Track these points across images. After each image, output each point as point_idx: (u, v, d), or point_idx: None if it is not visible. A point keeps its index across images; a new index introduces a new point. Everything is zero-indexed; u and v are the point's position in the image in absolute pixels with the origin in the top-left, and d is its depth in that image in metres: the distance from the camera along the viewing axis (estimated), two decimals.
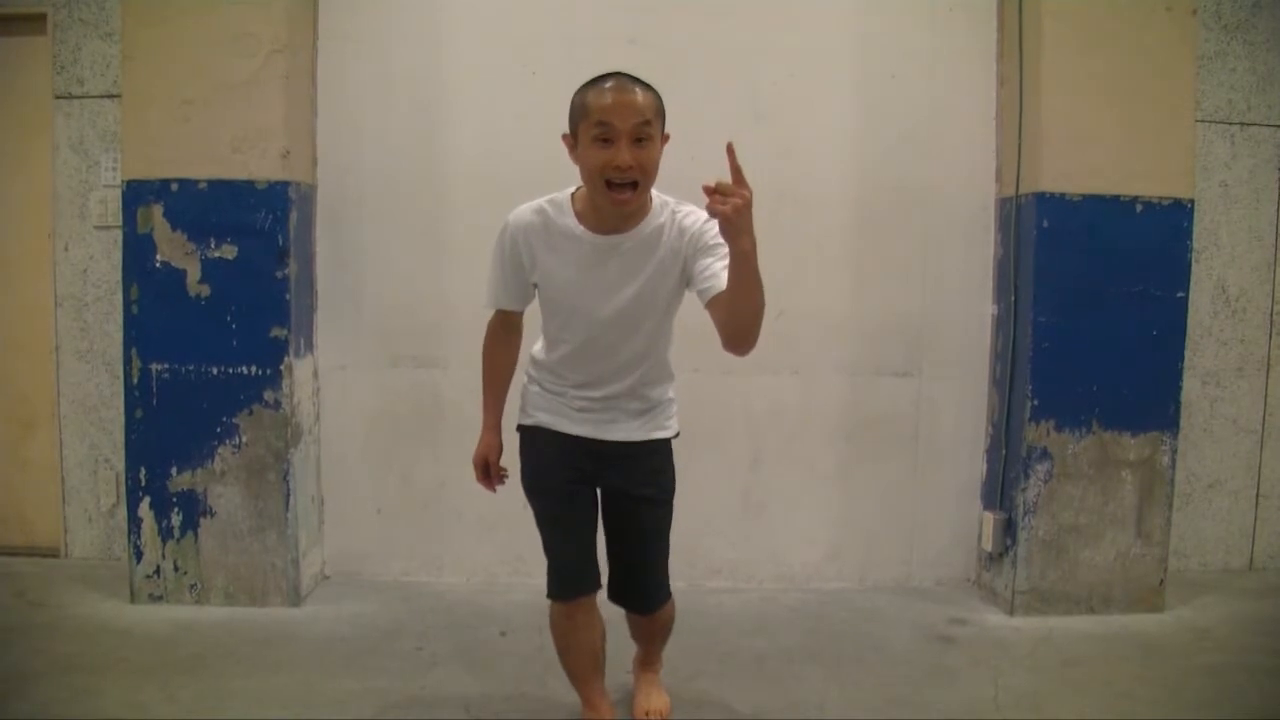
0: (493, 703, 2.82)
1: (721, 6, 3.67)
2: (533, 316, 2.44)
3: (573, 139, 2.15)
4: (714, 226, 2.09)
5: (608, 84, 2.08)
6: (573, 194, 2.26)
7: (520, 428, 2.46)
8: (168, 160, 3.35)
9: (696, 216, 2.20)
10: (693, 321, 2.35)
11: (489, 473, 2.52)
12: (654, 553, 2.45)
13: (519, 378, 2.50)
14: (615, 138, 2.04)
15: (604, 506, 2.44)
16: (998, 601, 3.62)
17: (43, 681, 2.84)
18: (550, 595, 2.43)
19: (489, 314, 2.47)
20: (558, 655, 2.51)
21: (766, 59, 3.69)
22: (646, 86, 2.11)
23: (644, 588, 2.47)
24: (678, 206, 2.23)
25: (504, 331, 2.46)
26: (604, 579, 2.46)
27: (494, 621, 3.40)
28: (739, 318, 2.07)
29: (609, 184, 2.08)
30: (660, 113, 2.12)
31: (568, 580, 2.40)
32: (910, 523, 3.83)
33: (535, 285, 2.32)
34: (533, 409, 2.42)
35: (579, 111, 2.11)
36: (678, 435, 2.47)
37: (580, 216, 2.22)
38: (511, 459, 2.50)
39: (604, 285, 2.22)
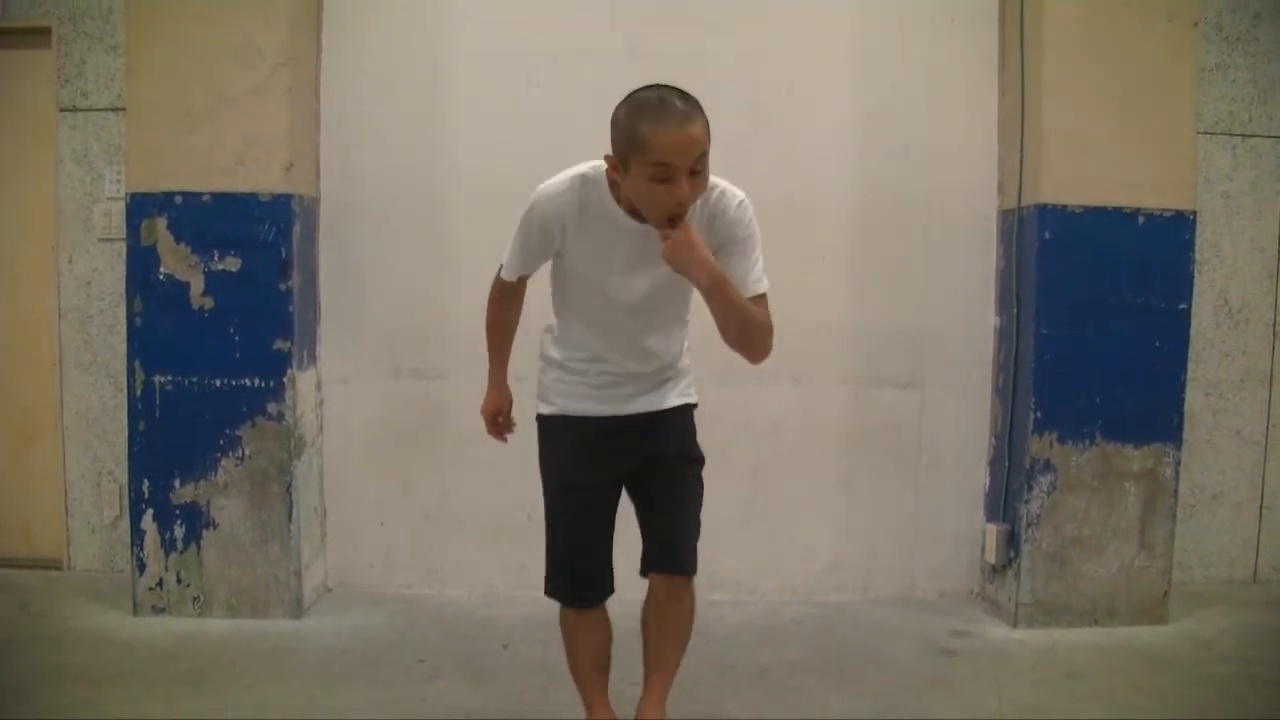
0: (494, 716, 2.81)
1: (722, 17, 3.68)
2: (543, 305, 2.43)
3: (619, 162, 2.05)
4: (745, 216, 2.17)
5: (666, 117, 1.96)
6: (604, 170, 2.17)
7: (540, 418, 2.42)
8: (171, 173, 3.36)
9: (727, 201, 2.17)
10: (696, 326, 2.36)
11: (498, 424, 2.54)
12: (690, 514, 2.38)
13: (533, 367, 2.46)
14: (675, 176, 1.98)
15: (636, 481, 2.38)
16: (1001, 614, 3.61)
17: (45, 693, 2.83)
18: (562, 601, 2.41)
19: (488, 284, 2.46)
20: (566, 655, 2.50)
21: (767, 70, 3.70)
22: (698, 109, 2.01)
23: (683, 547, 2.36)
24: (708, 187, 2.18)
25: (510, 295, 2.43)
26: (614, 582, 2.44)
27: (496, 634, 3.39)
28: (726, 336, 2.17)
29: (668, 219, 2.05)
30: (709, 132, 2.03)
31: (583, 588, 2.39)
32: (913, 534, 3.83)
33: (559, 255, 2.27)
34: (553, 395, 2.38)
35: (633, 143, 1.98)
36: (698, 405, 2.46)
37: (615, 196, 2.17)
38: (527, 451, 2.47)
39: (636, 263, 2.19)
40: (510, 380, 2.57)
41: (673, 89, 2.03)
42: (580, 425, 2.35)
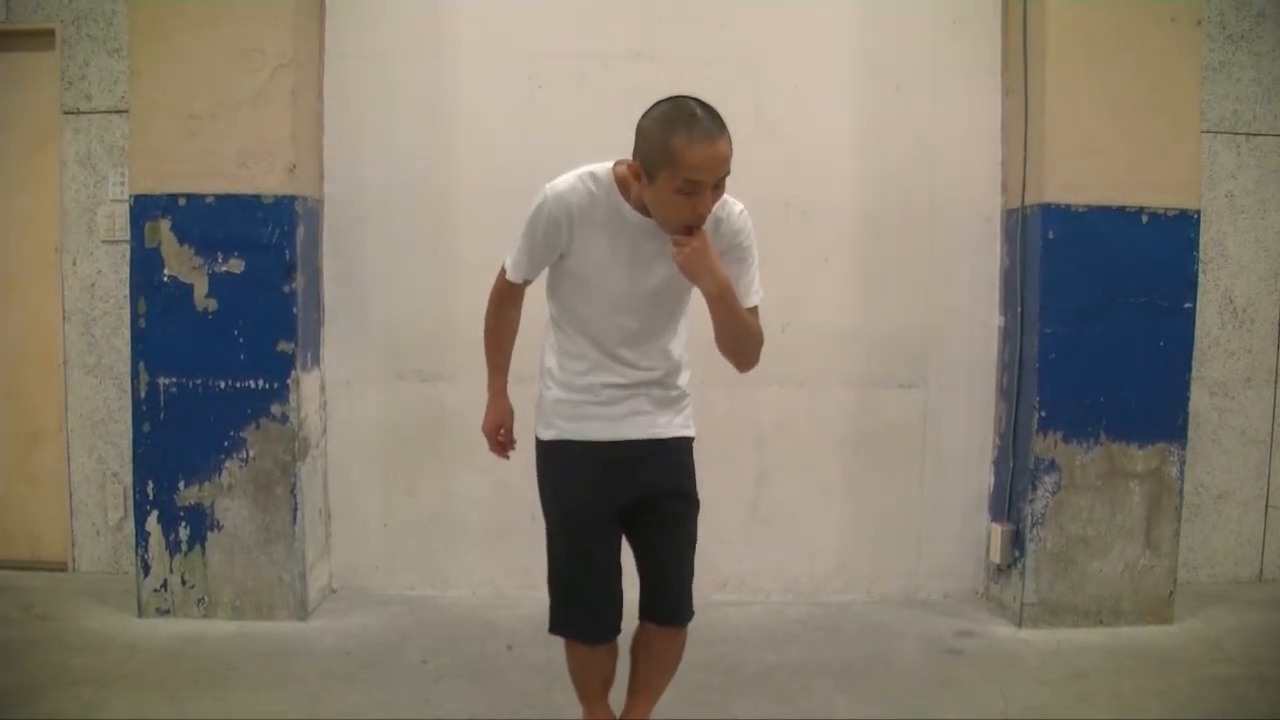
0: (498, 716, 2.81)
1: (726, 19, 3.68)
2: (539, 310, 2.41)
3: (644, 173, 2.05)
4: (746, 225, 2.22)
5: (699, 132, 1.98)
6: (611, 169, 2.18)
7: (541, 443, 2.35)
8: (175, 175, 3.37)
9: (729, 209, 2.20)
10: (697, 334, 2.35)
11: (500, 440, 2.51)
12: (689, 559, 2.38)
13: (532, 389, 2.41)
14: (700, 189, 2.01)
15: (634, 525, 2.34)
16: (1006, 614, 3.61)
17: (50, 695, 2.84)
18: (569, 637, 2.36)
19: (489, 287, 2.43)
20: (570, 676, 2.47)
21: (771, 71, 3.70)
22: (724, 125, 2.03)
23: (681, 597, 2.37)
24: None
25: (511, 298, 2.40)
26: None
27: (500, 635, 3.39)
28: (721, 343, 2.20)
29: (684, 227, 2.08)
30: (732, 147, 2.06)
31: (592, 623, 2.33)
32: (917, 534, 3.82)
33: (561, 256, 2.25)
34: (554, 417, 2.31)
35: (663, 156, 1.99)
36: (693, 439, 2.43)
37: (624, 195, 2.16)
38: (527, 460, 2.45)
39: (640, 261, 2.19)
40: (512, 381, 2.53)
41: (698, 101, 2.05)
42: (581, 450, 2.30)
